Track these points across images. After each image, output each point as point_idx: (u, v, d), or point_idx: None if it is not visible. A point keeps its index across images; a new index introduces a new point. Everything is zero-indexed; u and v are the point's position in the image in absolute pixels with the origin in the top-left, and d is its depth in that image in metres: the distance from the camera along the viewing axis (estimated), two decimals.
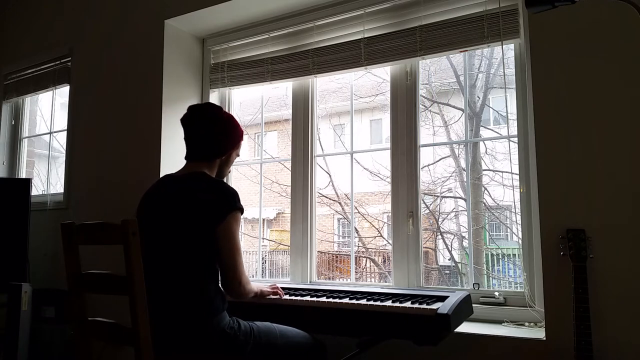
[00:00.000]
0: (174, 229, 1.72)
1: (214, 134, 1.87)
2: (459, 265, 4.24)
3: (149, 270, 1.52)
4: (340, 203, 5.16)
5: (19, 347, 2.74)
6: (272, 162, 4.70)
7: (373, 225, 5.50)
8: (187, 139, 1.91)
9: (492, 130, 4.57)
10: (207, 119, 1.88)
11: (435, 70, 4.63)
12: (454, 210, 4.67)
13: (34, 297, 2.91)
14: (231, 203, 1.74)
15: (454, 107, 4.70)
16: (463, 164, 3.93)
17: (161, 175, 2.76)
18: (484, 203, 4.25)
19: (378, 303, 1.81)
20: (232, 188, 1.79)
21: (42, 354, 2.94)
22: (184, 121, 1.91)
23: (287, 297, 2.01)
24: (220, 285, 1.76)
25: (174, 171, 1.92)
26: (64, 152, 3.42)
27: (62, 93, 3.68)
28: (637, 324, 1.74)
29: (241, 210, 1.77)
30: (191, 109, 1.94)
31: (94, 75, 3.29)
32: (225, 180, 1.97)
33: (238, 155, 2.01)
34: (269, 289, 1.99)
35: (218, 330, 1.66)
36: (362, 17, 2.61)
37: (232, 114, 1.97)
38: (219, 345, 1.66)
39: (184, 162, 1.92)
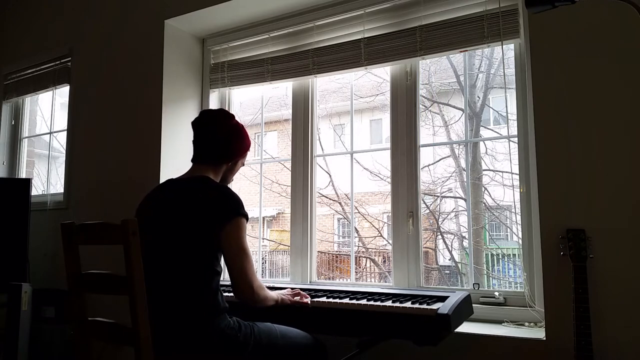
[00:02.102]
0: (175, 229, 1.72)
1: (223, 138, 1.87)
2: (459, 265, 4.24)
3: (149, 271, 1.52)
4: (340, 203, 5.16)
5: (19, 347, 2.75)
6: (272, 162, 4.69)
7: (373, 225, 5.50)
8: (196, 141, 1.91)
9: (492, 130, 4.56)
10: (219, 124, 1.89)
11: (435, 70, 4.63)
12: (454, 210, 4.67)
13: (34, 297, 2.91)
14: (235, 209, 1.73)
15: (454, 107, 4.69)
16: (463, 164, 3.92)
17: (161, 175, 2.78)
18: (484, 203, 4.24)
19: (378, 303, 1.81)
20: (236, 194, 1.79)
21: (42, 354, 2.94)
22: (195, 124, 1.93)
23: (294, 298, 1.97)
24: (232, 290, 1.74)
25: (174, 172, 1.92)
26: (64, 152, 3.42)
27: (62, 93, 3.68)
28: (637, 324, 1.74)
29: (245, 217, 1.75)
30: (203, 112, 1.95)
31: (94, 75, 3.29)
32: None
33: (243, 165, 2.02)
34: (290, 297, 1.94)
35: (218, 330, 1.66)
36: (362, 17, 2.61)
37: (242, 124, 1.97)
38: (219, 346, 1.66)
39: (184, 162, 1.92)
